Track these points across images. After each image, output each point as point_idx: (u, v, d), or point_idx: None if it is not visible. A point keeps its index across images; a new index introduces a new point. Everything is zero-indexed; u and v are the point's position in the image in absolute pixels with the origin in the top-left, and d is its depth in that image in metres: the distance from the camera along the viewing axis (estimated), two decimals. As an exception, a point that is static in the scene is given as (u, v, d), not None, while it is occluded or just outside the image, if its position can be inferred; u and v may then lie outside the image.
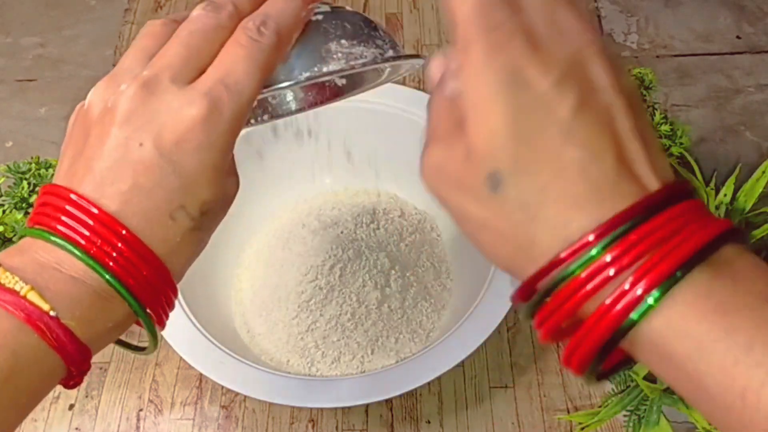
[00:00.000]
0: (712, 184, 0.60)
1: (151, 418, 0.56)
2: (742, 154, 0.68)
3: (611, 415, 0.50)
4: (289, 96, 0.36)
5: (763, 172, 0.57)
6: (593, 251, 0.20)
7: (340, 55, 0.29)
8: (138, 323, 0.27)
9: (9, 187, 0.57)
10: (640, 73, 0.56)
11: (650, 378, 0.48)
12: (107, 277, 0.24)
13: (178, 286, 0.28)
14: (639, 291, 0.20)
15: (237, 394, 0.56)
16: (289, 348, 0.55)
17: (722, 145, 0.69)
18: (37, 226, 0.25)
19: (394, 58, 0.30)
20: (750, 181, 0.58)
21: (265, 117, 0.35)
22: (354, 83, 0.36)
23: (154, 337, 0.28)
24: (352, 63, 0.29)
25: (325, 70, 0.28)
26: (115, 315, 0.26)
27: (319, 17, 0.29)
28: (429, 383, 0.46)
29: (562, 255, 0.21)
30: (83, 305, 0.24)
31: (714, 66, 0.75)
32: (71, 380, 0.25)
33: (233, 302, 0.60)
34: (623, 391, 0.50)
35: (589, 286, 0.20)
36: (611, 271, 0.20)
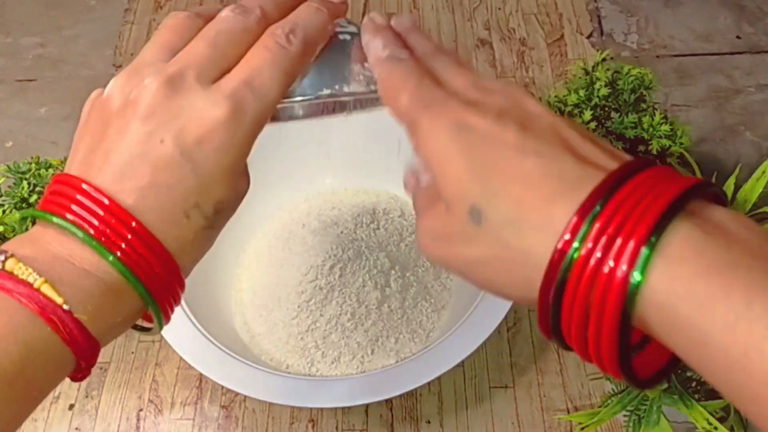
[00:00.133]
0: (712, 184, 0.60)
1: (151, 418, 0.56)
2: (742, 154, 0.68)
3: (611, 415, 0.50)
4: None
5: (763, 172, 0.57)
6: (583, 228, 0.21)
7: (362, 77, 0.30)
8: (145, 318, 0.27)
9: (9, 187, 0.57)
10: (640, 73, 0.56)
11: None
12: (111, 259, 0.24)
13: (180, 284, 0.28)
14: (631, 246, 0.20)
15: (237, 394, 0.56)
16: (289, 348, 0.55)
17: (722, 145, 0.69)
18: (45, 211, 0.25)
19: None
20: (750, 181, 0.58)
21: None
22: (364, 103, 0.36)
23: (161, 327, 0.28)
24: (373, 87, 0.30)
25: (346, 90, 0.29)
26: (125, 309, 0.26)
27: (347, 37, 0.30)
28: (429, 383, 0.46)
29: (559, 246, 0.21)
30: (95, 299, 0.24)
31: (714, 66, 0.75)
32: (79, 373, 0.26)
33: (233, 302, 0.60)
34: (623, 391, 0.50)
35: (592, 261, 0.21)
36: (603, 239, 0.21)
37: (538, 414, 0.55)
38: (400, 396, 0.50)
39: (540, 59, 0.76)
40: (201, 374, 0.51)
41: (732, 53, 0.76)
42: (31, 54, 0.82)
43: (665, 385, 0.48)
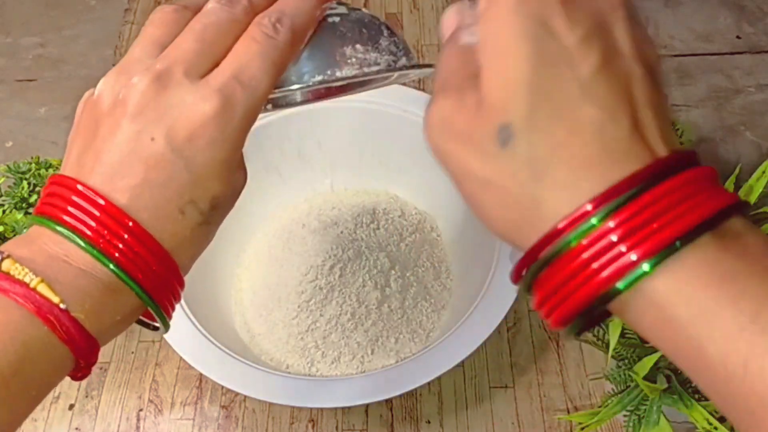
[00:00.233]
0: (712, 184, 0.60)
1: (151, 418, 0.56)
2: (742, 154, 0.68)
3: (611, 415, 0.50)
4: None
5: (763, 172, 0.57)
6: (593, 220, 0.20)
7: (354, 60, 0.29)
8: (145, 315, 0.27)
9: (9, 187, 0.57)
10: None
11: (650, 378, 0.48)
12: (111, 266, 0.24)
13: (180, 284, 0.28)
14: (633, 257, 0.19)
15: (237, 394, 0.56)
16: (289, 348, 0.55)
17: (722, 145, 0.69)
18: (43, 216, 0.25)
19: (407, 67, 0.30)
20: (750, 181, 0.58)
21: (269, 107, 0.36)
22: (361, 83, 0.36)
23: (165, 324, 0.28)
24: (366, 70, 0.29)
25: (338, 74, 0.28)
26: (124, 307, 0.26)
27: (336, 19, 0.29)
28: (429, 383, 0.46)
29: (561, 225, 0.20)
30: (92, 298, 0.24)
31: (714, 66, 0.75)
32: (79, 372, 0.26)
33: (233, 302, 0.60)
34: (623, 391, 0.50)
35: (587, 254, 0.20)
36: (613, 237, 0.20)
37: (538, 414, 0.55)
38: (400, 396, 0.50)
39: (540, 59, 0.76)
40: (201, 374, 0.51)
41: (732, 53, 0.76)
42: (31, 54, 0.82)
43: (665, 385, 0.48)
